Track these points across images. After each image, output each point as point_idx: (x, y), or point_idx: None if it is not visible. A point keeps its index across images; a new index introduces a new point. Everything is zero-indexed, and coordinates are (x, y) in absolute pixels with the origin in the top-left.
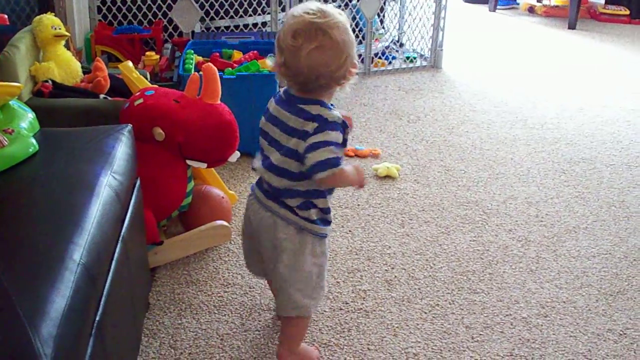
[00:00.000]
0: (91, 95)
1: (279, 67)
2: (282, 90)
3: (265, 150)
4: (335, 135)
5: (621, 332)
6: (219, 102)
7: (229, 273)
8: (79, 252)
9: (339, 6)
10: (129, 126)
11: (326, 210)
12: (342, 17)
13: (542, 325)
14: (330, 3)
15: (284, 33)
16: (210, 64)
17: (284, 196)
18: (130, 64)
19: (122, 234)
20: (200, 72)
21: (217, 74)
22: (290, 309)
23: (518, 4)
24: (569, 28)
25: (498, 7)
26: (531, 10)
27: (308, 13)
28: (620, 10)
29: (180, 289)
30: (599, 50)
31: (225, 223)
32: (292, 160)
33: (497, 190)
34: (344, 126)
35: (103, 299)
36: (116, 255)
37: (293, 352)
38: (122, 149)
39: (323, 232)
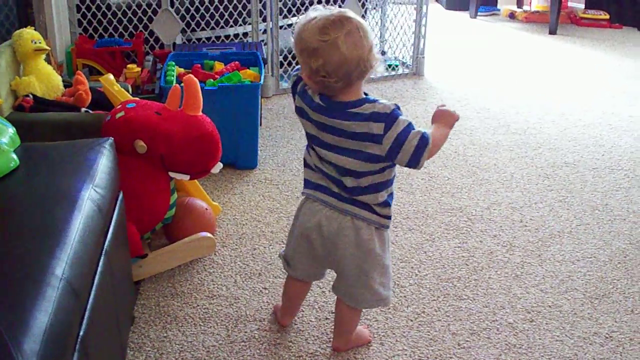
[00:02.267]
0: (72, 109)
1: (316, 72)
2: (316, 97)
3: (325, 157)
4: (402, 121)
5: (607, 335)
6: (200, 113)
7: (214, 285)
8: (61, 267)
9: None
10: (111, 139)
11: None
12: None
13: (528, 330)
14: None
15: (309, 35)
16: (191, 75)
17: (362, 195)
18: (111, 76)
19: (105, 247)
20: (182, 84)
21: (198, 85)
22: (374, 302)
23: (499, 10)
24: (550, 33)
25: (479, 13)
26: (512, 16)
27: (318, 13)
28: (600, 14)
29: (165, 301)
30: (579, 54)
31: (209, 235)
32: (371, 164)
33: (481, 196)
34: (398, 107)
35: (87, 313)
36: (99, 269)
37: (348, 342)
38: (103, 163)
39: (390, 223)
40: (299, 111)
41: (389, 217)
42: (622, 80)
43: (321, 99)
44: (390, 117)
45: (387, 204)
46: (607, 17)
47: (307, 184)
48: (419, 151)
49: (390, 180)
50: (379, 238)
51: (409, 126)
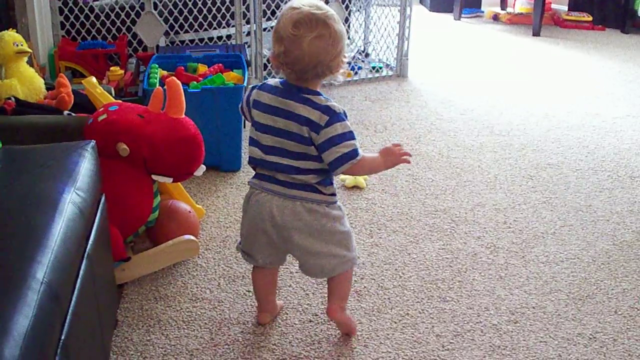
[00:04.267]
0: (55, 111)
1: (277, 56)
2: (274, 81)
3: (270, 142)
4: (346, 126)
5: (591, 336)
6: (183, 116)
7: (197, 288)
8: (42, 271)
9: None
10: (92, 142)
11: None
12: (330, 8)
13: (512, 332)
14: None
15: (284, 23)
16: (173, 78)
17: (306, 177)
18: (93, 79)
19: (87, 251)
20: (165, 86)
21: (181, 87)
22: (341, 265)
23: (483, 12)
24: (534, 35)
25: (463, 15)
26: (495, 18)
27: (306, 5)
28: (583, 16)
29: (149, 304)
30: (563, 56)
31: (192, 237)
32: (310, 147)
33: (465, 198)
34: (345, 115)
35: (68, 317)
36: (81, 272)
37: (343, 310)
38: (85, 166)
39: (337, 199)
40: (254, 104)
41: (334, 194)
42: (606, 82)
43: (281, 82)
44: (337, 116)
45: (329, 183)
46: (590, 19)
47: (254, 176)
48: (343, 160)
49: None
50: (331, 214)
51: (350, 134)
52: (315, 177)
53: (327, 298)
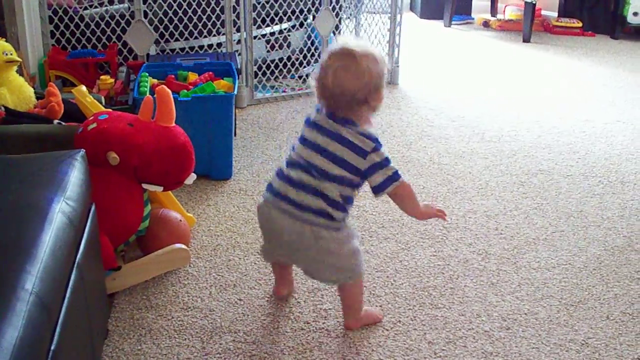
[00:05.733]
0: (45, 121)
1: (316, 83)
2: (318, 114)
3: (309, 158)
4: (385, 151)
5: (583, 342)
6: (173, 124)
7: (188, 297)
8: (31, 281)
9: (294, 25)
10: (82, 151)
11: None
12: (376, 51)
13: (504, 338)
14: (285, 22)
15: (325, 54)
16: (163, 86)
17: (323, 202)
18: (83, 88)
19: (77, 260)
20: (155, 95)
21: (171, 96)
22: (347, 277)
23: (473, 18)
24: (524, 41)
25: (453, 22)
26: (486, 24)
27: (348, 42)
28: (573, 23)
29: (140, 314)
30: (553, 62)
31: (183, 246)
32: (352, 175)
33: (456, 205)
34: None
35: (58, 328)
36: (71, 282)
37: (358, 319)
38: (75, 175)
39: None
40: (307, 121)
41: (343, 219)
42: (596, 88)
43: (325, 114)
44: (378, 142)
45: (343, 209)
46: (580, 25)
47: (269, 188)
48: (389, 181)
49: (352, 198)
50: (338, 238)
51: (389, 159)
52: (331, 202)
53: (319, 307)
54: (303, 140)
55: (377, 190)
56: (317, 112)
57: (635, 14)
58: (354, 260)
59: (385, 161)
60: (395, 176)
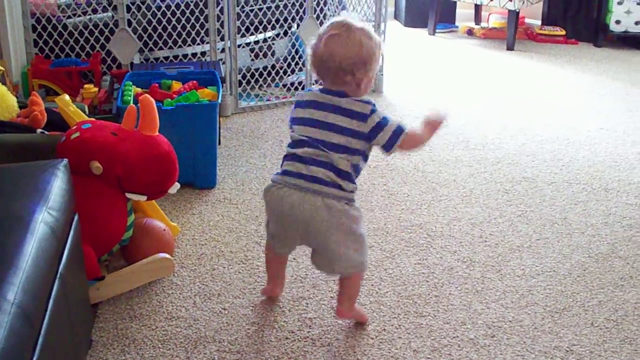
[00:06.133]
0: (28, 130)
1: (310, 51)
2: (308, 93)
3: (313, 134)
4: (383, 111)
5: (567, 349)
6: (157, 133)
7: (172, 306)
8: (13, 292)
9: (278, 34)
10: (65, 161)
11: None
12: (374, 32)
13: (489, 346)
14: (269, 31)
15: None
16: (146, 95)
17: (335, 169)
18: (67, 97)
19: (59, 270)
20: (138, 104)
21: (154, 105)
22: (351, 268)
23: (457, 27)
24: (508, 49)
25: (437, 30)
26: (470, 32)
27: (349, 17)
28: (557, 30)
29: (124, 324)
30: (537, 70)
31: (167, 256)
32: (357, 140)
33: (440, 213)
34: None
35: (40, 338)
36: (54, 293)
37: (351, 309)
38: (57, 184)
39: (355, 196)
40: (297, 104)
41: (354, 191)
42: (579, 95)
43: (320, 89)
44: (375, 106)
45: (352, 181)
46: (563, 33)
47: (277, 173)
48: (395, 136)
49: (360, 168)
50: (349, 212)
51: (388, 116)
52: (341, 173)
53: (304, 316)
54: (300, 121)
55: (387, 147)
56: (307, 92)
57: (617, 22)
58: (363, 246)
59: (385, 119)
60: (399, 129)
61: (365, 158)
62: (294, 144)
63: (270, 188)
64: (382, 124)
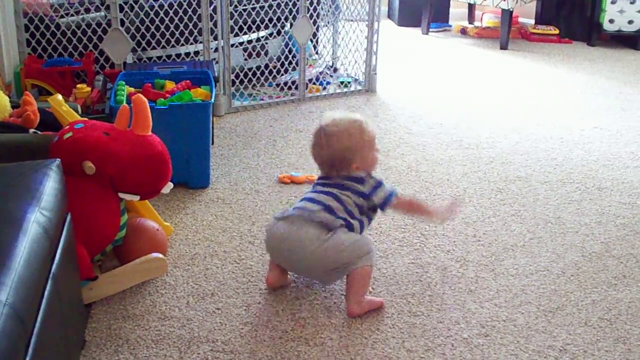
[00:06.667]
0: (20, 130)
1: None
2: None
3: (316, 198)
4: (378, 177)
5: (561, 348)
6: (150, 133)
7: (165, 306)
8: (5, 292)
9: (272, 34)
10: (57, 161)
11: None
12: (352, 124)
13: (483, 345)
14: (262, 30)
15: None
16: (139, 95)
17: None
18: (59, 97)
19: (52, 271)
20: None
21: (147, 104)
22: (360, 258)
23: (450, 26)
24: (501, 48)
25: (431, 29)
26: (463, 32)
27: (327, 118)
28: (550, 30)
29: (117, 324)
30: (531, 69)
31: (160, 255)
32: (358, 198)
33: None
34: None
35: (33, 339)
36: (46, 293)
37: (361, 305)
38: (50, 185)
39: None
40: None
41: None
42: (573, 94)
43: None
44: (369, 174)
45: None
46: (557, 32)
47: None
48: (388, 197)
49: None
50: (334, 237)
51: (382, 182)
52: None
53: (297, 315)
54: (308, 195)
55: (382, 206)
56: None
57: (611, 21)
58: (360, 249)
59: (379, 183)
60: (391, 193)
61: (368, 217)
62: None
63: (269, 228)
64: (377, 185)
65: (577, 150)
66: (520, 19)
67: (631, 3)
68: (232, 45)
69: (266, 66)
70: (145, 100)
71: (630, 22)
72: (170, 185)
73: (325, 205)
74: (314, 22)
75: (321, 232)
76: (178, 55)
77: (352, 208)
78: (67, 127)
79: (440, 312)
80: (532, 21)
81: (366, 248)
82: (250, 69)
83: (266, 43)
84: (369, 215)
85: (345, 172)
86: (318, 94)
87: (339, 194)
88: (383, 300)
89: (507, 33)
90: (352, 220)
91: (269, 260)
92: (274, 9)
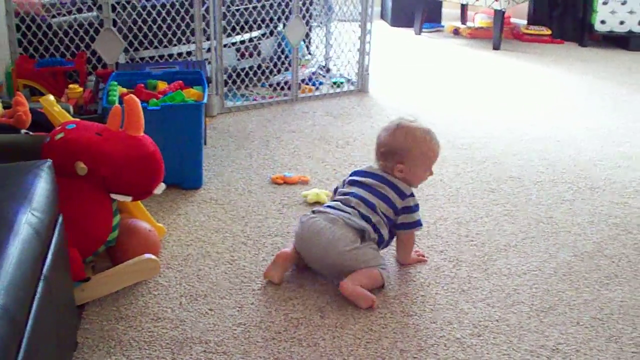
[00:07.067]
0: (12, 130)
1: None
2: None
3: (355, 191)
4: (416, 200)
5: (553, 348)
6: (142, 133)
7: (158, 307)
8: None
9: (264, 34)
10: (49, 161)
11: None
12: (424, 134)
13: (475, 345)
14: (255, 30)
15: None
16: (132, 95)
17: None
18: (51, 97)
19: (44, 272)
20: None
21: (139, 105)
22: (369, 260)
23: (443, 26)
24: (494, 49)
25: (424, 30)
26: (456, 32)
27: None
28: (542, 30)
29: (110, 325)
30: (523, 69)
31: (153, 256)
32: (389, 208)
33: (427, 212)
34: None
35: (25, 340)
36: (38, 294)
37: (355, 287)
38: (41, 185)
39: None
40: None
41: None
42: (565, 94)
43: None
44: (413, 195)
45: (371, 237)
46: (549, 32)
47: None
48: (409, 225)
49: (384, 240)
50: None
51: (418, 207)
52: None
53: (290, 316)
54: (351, 182)
55: (398, 227)
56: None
57: (602, 22)
58: (372, 260)
59: (416, 207)
60: (415, 224)
61: (388, 227)
62: (337, 196)
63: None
64: (412, 209)
65: (570, 150)
66: (513, 20)
67: (622, 4)
68: (225, 46)
69: (259, 66)
70: (138, 100)
71: (621, 22)
72: (162, 186)
73: (363, 214)
74: (307, 23)
75: (356, 238)
76: (170, 56)
77: (382, 217)
78: (59, 127)
79: (433, 312)
80: (525, 21)
81: (384, 268)
82: (243, 69)
83: (259, 43)
84: (392, 230)
85: (390, 169)
86: (311, 94)
87: (377, 202)
88: (375, 298)
89: (499, 33)
90: (382, 231)
91: (277, 254)
92: (267, 10)
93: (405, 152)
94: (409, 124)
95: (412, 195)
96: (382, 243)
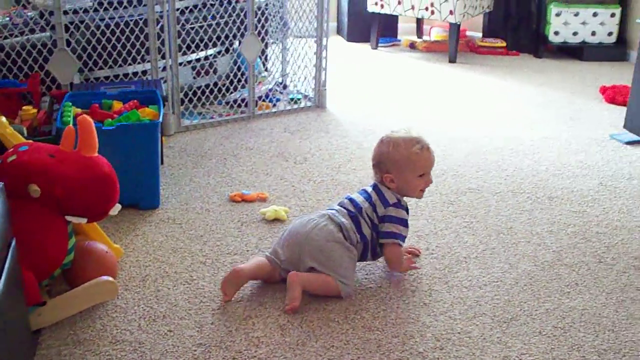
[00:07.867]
0: None
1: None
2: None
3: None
4: (405, 215)
5: (517, 358)
6: (96, 153)
7: (117, 330)
8: None
9: (220, 51)
10: (1, 184)
11: None
12: (400, 141)
13: (438, 359)
14: (211, 48)
15: None
16: (85, 115)
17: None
18: (3, 119)
19: None
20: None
21: (92, 125)
22: (338, 267)
23: (399, 40)
24: (450, 62)
25: (380, 44)
26: (412, 46)
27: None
28: (497, 42)
29: (67, 350)
30: (479, 81)
31: (110, 278)
32: (372, 210)
33: None
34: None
35: None
36: None
37: (300, 285)
38: None
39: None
40: None
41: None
42: (522, 105)
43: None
44: (402, 206)
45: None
46: (504, 44)
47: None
48: (391, 235)
49: (367, 242)
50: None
51: (403, 222)
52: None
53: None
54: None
55: (380, 236)
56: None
57: (556, 33)
58: (343, 270)
59: (398, 220)
60: (397, 236)
61: (375, 232)
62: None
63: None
64: (394, 219)
65: (527, 160)
66: (468, 33)
67: (575, 15)
68: (181, 64)
69: (215, 84)
70: (91, 120)
71: (574, 33)
72: (118, 207)
73: (350, 211)
74: (263, 39)
75: (340, 235)
76: (126, 75)
77: (367, 219)
78: (11, 150)
79: (395, 327)
80: (480, 34)
81: (346, 283)
82: (199, 88)
83: (215, 61)
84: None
85: (380, 179)
86: (268, 111)
87: (365, 205)
88: (296, 305)
89: (455, 46)
90: (364, 231)
91: (231, 270)
92: (222, 27)
93: (389, 161)
94: (395, 134)
95: (396, 205)
96: (366, 245)
